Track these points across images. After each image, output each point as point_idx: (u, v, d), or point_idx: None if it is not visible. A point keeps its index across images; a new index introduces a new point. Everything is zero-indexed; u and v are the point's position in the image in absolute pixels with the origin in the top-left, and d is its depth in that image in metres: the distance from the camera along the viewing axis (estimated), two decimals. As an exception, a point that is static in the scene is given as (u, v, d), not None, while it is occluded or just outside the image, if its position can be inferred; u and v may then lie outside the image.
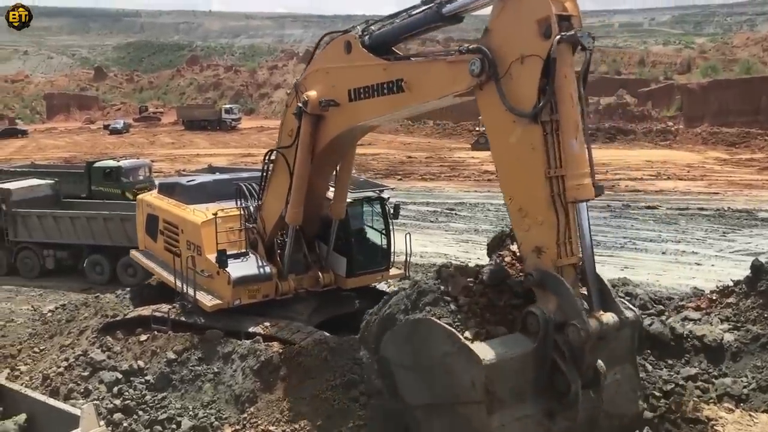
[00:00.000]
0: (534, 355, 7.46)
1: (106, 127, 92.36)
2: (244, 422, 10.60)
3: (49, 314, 17.59)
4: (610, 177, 44.66)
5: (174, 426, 10.91)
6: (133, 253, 16.58)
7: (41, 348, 15.06)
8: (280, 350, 11.48)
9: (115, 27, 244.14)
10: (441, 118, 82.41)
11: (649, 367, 10.97)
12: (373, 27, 10.15)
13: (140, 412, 11.21)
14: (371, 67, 9.76)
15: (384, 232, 14.07)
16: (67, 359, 12.89)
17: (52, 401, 8.69)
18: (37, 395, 8.67)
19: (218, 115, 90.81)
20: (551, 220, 7.48)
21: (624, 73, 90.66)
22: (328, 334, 11.90)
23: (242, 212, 13.21)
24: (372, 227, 14.30)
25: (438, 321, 7.86)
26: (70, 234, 23.66)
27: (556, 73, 7.21)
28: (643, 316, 12.02)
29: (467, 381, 7.32)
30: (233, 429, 10.59)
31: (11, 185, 25.66)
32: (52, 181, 27.46)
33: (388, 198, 14.20)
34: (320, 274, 13.18)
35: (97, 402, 11.05)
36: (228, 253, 12.47)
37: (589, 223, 7.50)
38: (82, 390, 11.84)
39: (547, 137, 7.54)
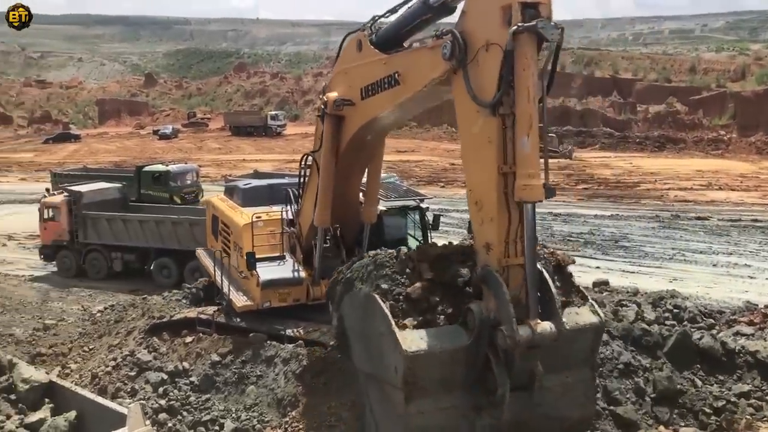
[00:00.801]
0: (467, 351, 7.33)
1: (155, 132, 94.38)
2: (286, 426, 10.67)
3: (98, 314, 18.05)
4: (659, 186, 43.76)
5: (217, 428, 11.04)
6: (198, 250, 17.17)
7: (90, 347, 15.45)
8: (323, 355, 11.53)
9: (165, 35, 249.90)
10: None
11: (699, 383, 10.68)
12: (381, 22, 10.10)
13: (184, 413, 11.38)
14: (375, 63, 9.69)
15: (422, 242, 13.95)
16: (114, 359, 13.18)
17: (100, 399, 8.87)
18: (86, 393, 8.85)
19: (264, 121, 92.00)
20: (501, 216, 7.28)
21: (674, 81, 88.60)
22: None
23: (283, 216, 13.35)
24: (411, 236, 14.22)
25: (379, 301, 7.79)
26: (138, 237, 24.08)
27: (515, 65, 6.91)
28: (690, 329, 11.72)
29: (392, 366, 7.43)
30: (275, 432, 10.68)
31: (82, 188, 26.32)
32: (120, 185, 28.23)
33: (427, 208, 14.05)
34: None
35: (144, 401, 11.26)
36: (266, 256, 12.68)
37: (534, 225, 7.18)
38: (128, 389, 12.08)
39: (507, 131, 7.24)
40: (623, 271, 23.37)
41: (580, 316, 7.74)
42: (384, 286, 8.00)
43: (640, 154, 61.79)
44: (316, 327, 12.56)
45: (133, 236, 24.16)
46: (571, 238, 28.77)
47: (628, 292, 16.79)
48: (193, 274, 22.32)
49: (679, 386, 10.54)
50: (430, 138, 77.61)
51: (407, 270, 8.16)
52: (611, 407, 10.22)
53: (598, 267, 23.75)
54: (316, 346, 11.95)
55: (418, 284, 7.92)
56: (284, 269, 12.88)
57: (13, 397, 8.55)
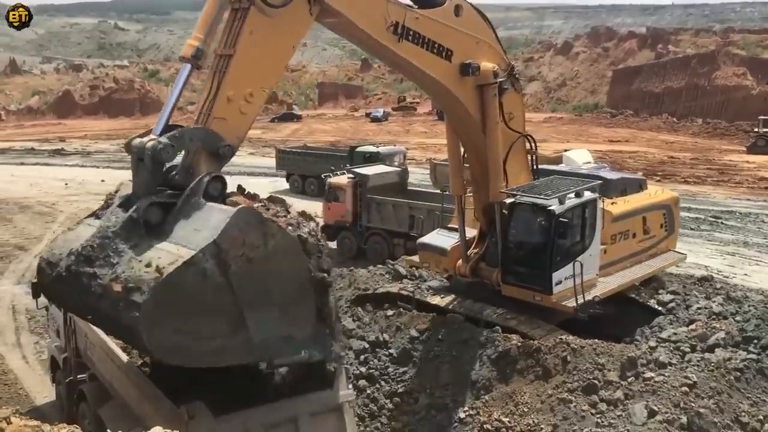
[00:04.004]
0: None
1: (367, 114, 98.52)
2: (478, 409, 10.77)
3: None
4: None
5: (412, 401, 11.44)
6: None
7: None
8: (519, 343, 11.43)
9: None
10: (712, 117, 75.02)
11: None
12: None
13: (382, 383, 11.93)
14: None
15: (545, 248, 12.35)
16: (323, 324, 14.11)
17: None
18: (299, 353, 9.61)
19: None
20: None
21: None
22: (569, 335, 11.58)
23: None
24: (539, 239, 12.69)
25: None
26: (419, 225, 22.45)
27: None
28: None
29: None
30: (467, 413, 10.81)
31: (368, 171, 25.85)
32: (400, 169, 27.57)
33: (556, 213, 12.05)
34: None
35: (347, 367, 11.96)
36: (451, 226, 14.20)
37: (181, 83, 8.45)
38: (334, 354, 12.90)
39: None
40: None
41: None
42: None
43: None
44: (513, 315, 12.47)
45: (418, 225, 22.54)
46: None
47: None
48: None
49: None
50: (647, 128, 72.67)
51: None
52: None
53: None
54: (513, 333, 11.87)
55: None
56: (445, 239, 13.83)
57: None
